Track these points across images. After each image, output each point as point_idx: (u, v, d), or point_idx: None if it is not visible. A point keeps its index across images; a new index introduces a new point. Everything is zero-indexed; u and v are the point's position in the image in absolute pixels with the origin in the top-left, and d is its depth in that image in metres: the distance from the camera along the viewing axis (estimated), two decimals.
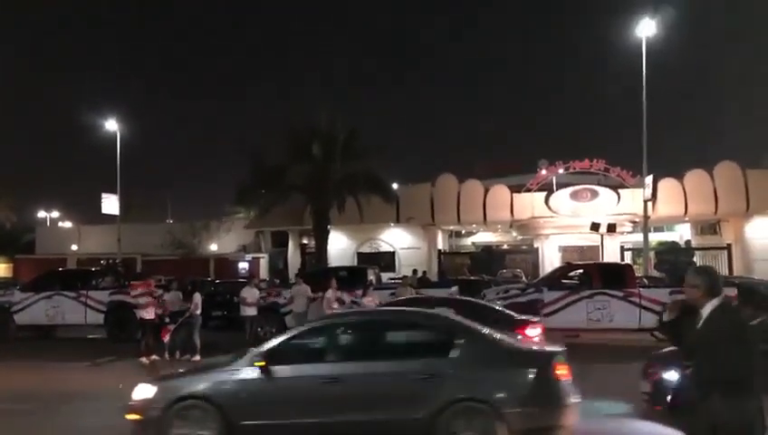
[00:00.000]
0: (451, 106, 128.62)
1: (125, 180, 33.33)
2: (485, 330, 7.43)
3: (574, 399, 6.73)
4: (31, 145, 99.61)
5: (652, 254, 26.29)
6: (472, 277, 24.93)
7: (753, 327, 4.70)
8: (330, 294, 15.31)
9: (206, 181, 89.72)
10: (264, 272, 35.93)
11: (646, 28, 23.12)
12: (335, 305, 14.93)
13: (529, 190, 33.27)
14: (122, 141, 32.48)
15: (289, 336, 7.46)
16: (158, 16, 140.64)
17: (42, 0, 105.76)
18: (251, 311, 16.04)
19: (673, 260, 25.50)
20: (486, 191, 32.57)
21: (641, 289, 15.96)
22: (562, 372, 6.74)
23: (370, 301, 15.08)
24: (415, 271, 23.65)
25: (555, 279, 17.44)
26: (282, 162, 25.91)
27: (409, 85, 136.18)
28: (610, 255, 27.86)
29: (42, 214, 54.93)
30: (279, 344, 7.20)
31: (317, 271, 22.26)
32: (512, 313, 12.60)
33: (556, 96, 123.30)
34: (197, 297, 15.00)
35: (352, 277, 19.15)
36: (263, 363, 6.87)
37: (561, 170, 33.50)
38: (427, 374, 6.67)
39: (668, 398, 7.96)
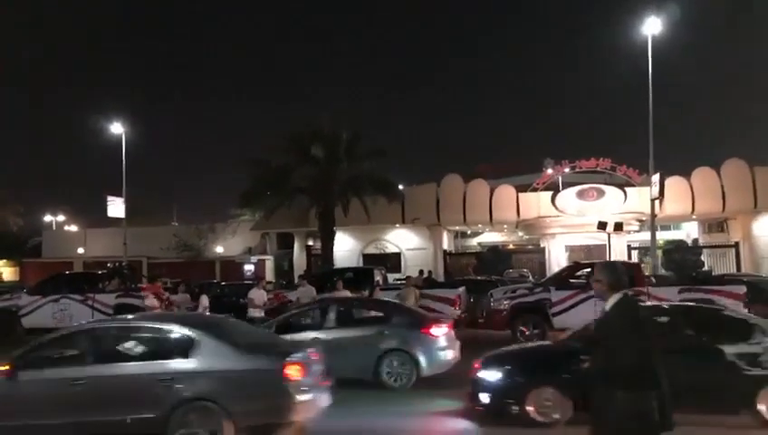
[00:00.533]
0: (454, 106, 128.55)
1: (130, 182, 33.39)
2: (227, 331, 7.73)
3: (305, 396, 7.07)
4: (36, 148, 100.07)
5: (659, 252, 26.16)
6: (478, 277, 24.88)
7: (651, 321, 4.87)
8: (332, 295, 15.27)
9: (212, 183, 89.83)
10: (269, 274, 35.94)
11: (652, 26, 23.01)
12: None
13: (535, 190, 33.20)
14: (127, 143, 32.49)
15: (39, 343, 7.88)
16: (161, 18, 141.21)
17: (42, 2, 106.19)
18: (258, 313, 15.98)
19: (680, 259, 25.37)
20: (492, 191, 32.51)
21: (650, 288, 15.86)
22: (294, 370, 7.05)
23: None
24: (421, 271, 23.58)
25: (563, 279, 17.35)
26: (286, 164, 25.91)
27: (411, 86, 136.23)
28: (617, 254, 27.76)
29: (48, 218, 55.04)
30: (28, 350, 7.71)
31: (324, 272, 22.24)
32: (423, 312, 12.85)
33: (561, 95, 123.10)
34: (205, 299, 15.02)
35: (359, 278, 19.12)
36: (7, 368, 7.34)
37: (567, 169, 33.41)
38: (163, 376, 7.06)
39: (481, 396, 8.12)
